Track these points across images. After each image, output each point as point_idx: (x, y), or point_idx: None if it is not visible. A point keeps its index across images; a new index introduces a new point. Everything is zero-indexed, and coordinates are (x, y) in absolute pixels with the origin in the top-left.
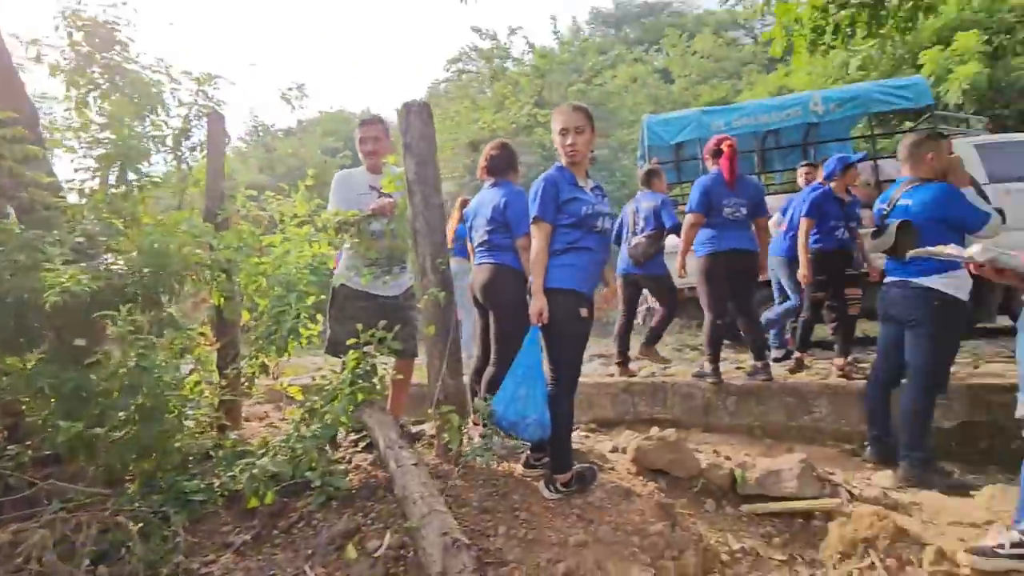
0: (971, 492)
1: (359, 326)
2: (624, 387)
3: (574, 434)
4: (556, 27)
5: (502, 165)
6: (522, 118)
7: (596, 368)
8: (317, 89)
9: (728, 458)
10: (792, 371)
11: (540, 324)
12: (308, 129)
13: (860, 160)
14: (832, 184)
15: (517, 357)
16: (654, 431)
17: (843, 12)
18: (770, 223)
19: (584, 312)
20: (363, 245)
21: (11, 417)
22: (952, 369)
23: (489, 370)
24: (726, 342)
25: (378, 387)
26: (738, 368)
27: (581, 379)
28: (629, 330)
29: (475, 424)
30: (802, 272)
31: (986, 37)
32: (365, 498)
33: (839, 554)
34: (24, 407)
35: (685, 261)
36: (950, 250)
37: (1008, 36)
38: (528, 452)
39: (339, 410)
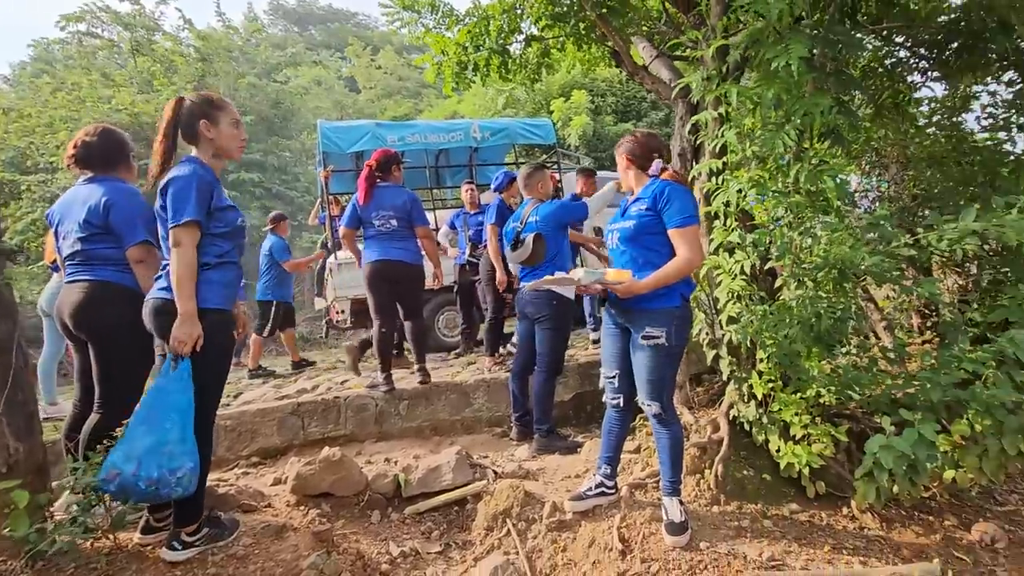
0: (579, 450)
1: None
2: (292, 410)
3: (231, 472)
4: (220, 7)
5: (102, 156)
6: (174, 97)
7: (265, 392)
8: None
9: (397, 462)
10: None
11: (191, 353)
12: None
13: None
14: (502, 195)
15: (151, 395)
16: (325, 451)
17: (479, 54)
18: (440, 235)
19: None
20: None
21: None
22: (570, 352)
23: (93, 418)
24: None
25: None
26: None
27: (243, 408)
28: None
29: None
30: (500, 277)
31: (590, 97)
32: None
33: (485, 529)
34: None
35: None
36: (560, 275)
37: (602, 99)
38: (147, 515)
39: None
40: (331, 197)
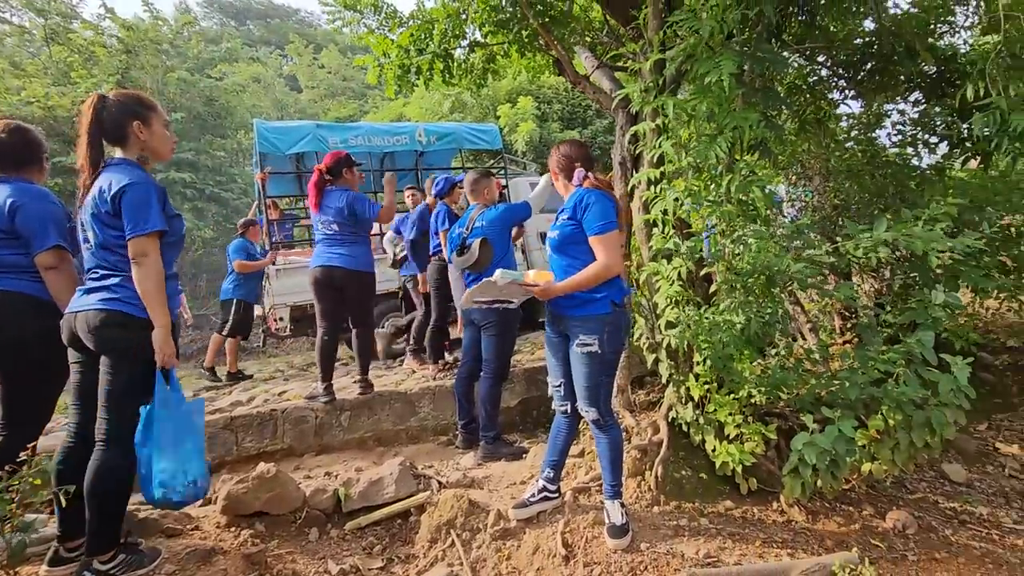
0: (524, 456)
1: None
2: (224, 424)
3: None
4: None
5: (14, 156)
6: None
7: None
8: None
9: (338, 476)
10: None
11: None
12: None
13: (460, 181)
14: (445, 200)
15: (163, 414)
16: (259, 467)
17: (422, 57)
18: (384, 240)
19: None
20: None
21: None
22: (516, 358)
23: None
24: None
25: None
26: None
27: None
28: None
29: None
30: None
31: (537, 104)
32: None
33: (428, 542)
34: None
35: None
36: (493, 280)
37: (548, 106)
38: (56, 545)
39: None
40: (268, 200)
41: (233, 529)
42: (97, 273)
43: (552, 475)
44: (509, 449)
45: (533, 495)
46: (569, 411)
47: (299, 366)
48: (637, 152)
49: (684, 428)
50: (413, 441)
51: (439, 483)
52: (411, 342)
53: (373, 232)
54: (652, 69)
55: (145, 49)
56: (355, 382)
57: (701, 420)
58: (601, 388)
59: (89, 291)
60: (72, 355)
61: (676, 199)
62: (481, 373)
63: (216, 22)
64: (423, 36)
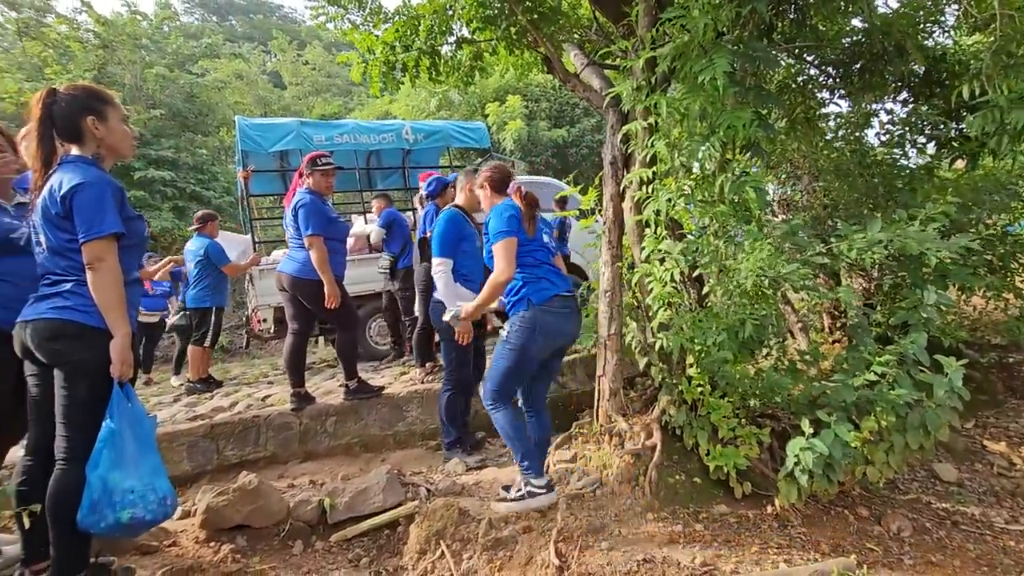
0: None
1: None
2: (205, 432)
3: None
4: None
5: None
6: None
7: (175, 412)
8: None
9: (323, 485)
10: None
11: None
12: None
13: (453, 181)
14: (436, 201)
15: (126, 428)
16: (240, 478)
17: (408, 54)
18: (372, 237)
19: None
20: None
21: None
22: None
23: None
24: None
25: None
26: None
27: None
28: None
29: None
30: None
31: (525, 102)
32: None
33: (417, 553)
34: None
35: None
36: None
37: (536, 104)
38: (21, 567)
39: None
40: (251, 199)
41: (213, 544)
42: (49, 279)
43: (527, 465)
44: (471, 440)
45: (507, 489)
46: (520, 403)
47: (283, 368)
48: (628, 152)
49: (677, 432)
50: (401, 446)
51: (428, 491)
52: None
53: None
54: (644, 67)
55: (123, 44)
56: (340, 386)
57: (694, 423)
58: (498, 372)
59: (41, 298)
60: (27, 367)
61: (668, 199)
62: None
63: (197, 17)
64: (409, 32)
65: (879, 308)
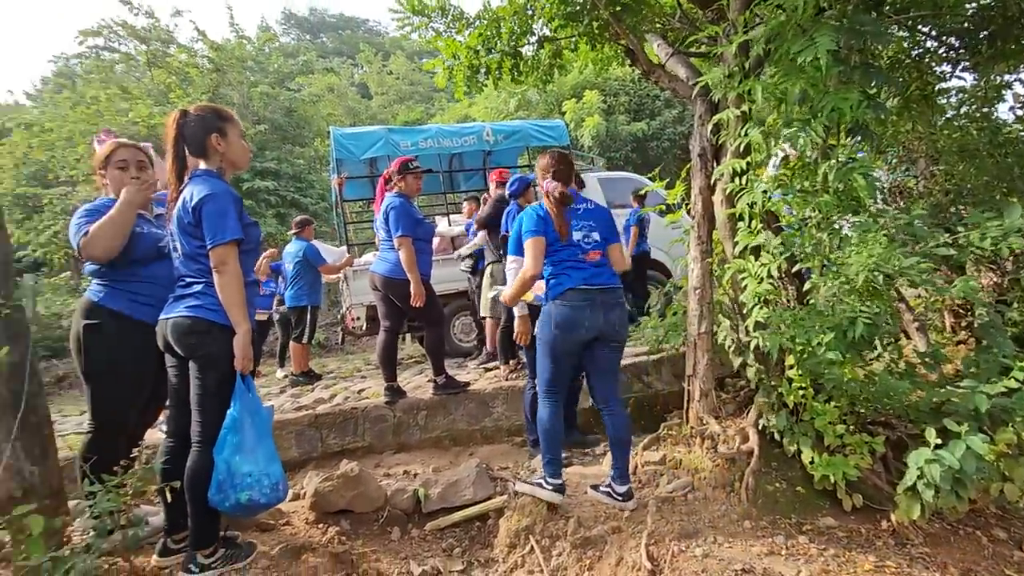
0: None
1: None
2: (310, 421)
3: None
4: (233, 18)
5: None
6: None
7: (283, 403)
8: None
9: (417, 476)
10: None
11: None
12: None
13: (534, 180)
14: (519, 200)
15: (246, 417)
16: (343, 466)
17: (491, 57)
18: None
19: None
20: None
21: None
22: None
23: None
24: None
25: None
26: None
27: None
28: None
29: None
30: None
31: (603, 97)
32: None
33: (507, 547)
34: None
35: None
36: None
37: (615, 99)
38: (164, 537)
39: None
40: (345, 204)
41: (320, 526)
42: (183, 281)
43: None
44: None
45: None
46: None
47: (376, 363)
48: (719, 142)
49: (776, 437)
50: (488, 441)
51: (514, 486)
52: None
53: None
54: (736, 52)
55: (232, 67)
56: (428, 381)
57: (796, 429)
58: (537, 365)
59: (177, 298)
60: (167, 359)
61: (764, 191)
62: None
63: (293, 37)
64: (491, 35)
65: (1016, 305)
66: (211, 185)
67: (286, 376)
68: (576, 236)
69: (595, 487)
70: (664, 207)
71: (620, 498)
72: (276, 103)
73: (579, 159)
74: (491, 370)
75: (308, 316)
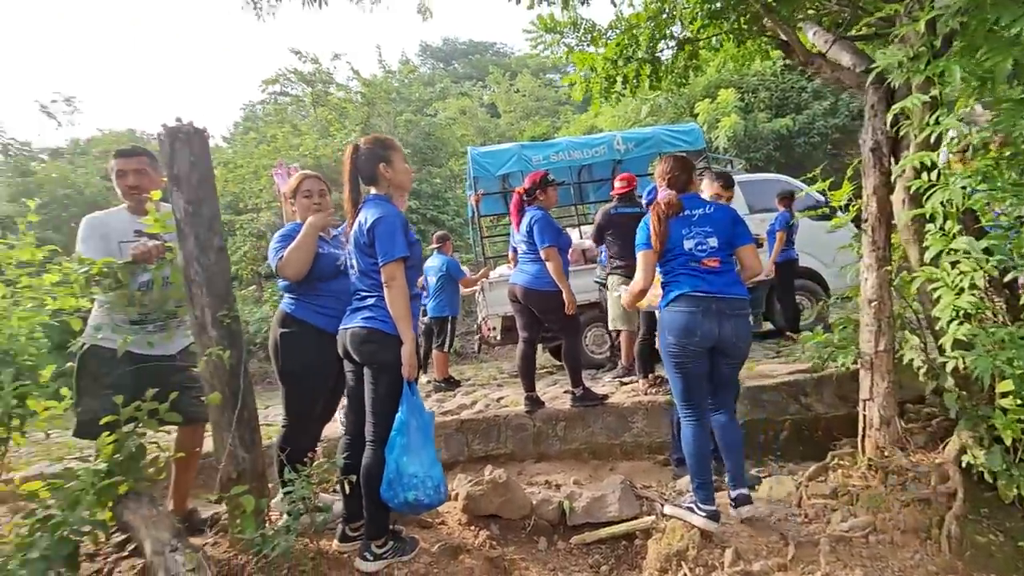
0: (755, 486)
1: (118, 398)
2: (456, 427)
3: None
4: (381, 56)
5: None
6: (349, 145)
7: (430, 408)
8: (99, 104)
9: (559, 487)
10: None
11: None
12: (84, 150)
13: None
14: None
15: (412, 421)
16: (488, 470)
17: (629, 65)
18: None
19: None
20: (123, 299)
21: None
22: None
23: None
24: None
25: (151, 471)
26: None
27: None
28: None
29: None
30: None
31: (740, 94)
32: None
33: (657, 571)
34: None
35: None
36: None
37: (754, 95)
38: (342, 524)
39: (77, 519)
40: (483, 220)
41: (472, 528)
42: (360, 295)
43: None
44: None
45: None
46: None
47: (509, 372)
48: (898, 134)
49: (987, 478)
50: (628, 457)
51: (663, 507)
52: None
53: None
54: (924, 30)
55: (380, 99)
56: (565, 392)
57: (1015, 471)
58: (670, 380)
59: (354, 310)
60: (346, 365)
61: (963, 187)
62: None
63: (429, 67)
64: (629, 44)
65: None
66: (382, 208)
67: (429, 382)
68: (688, 244)
69: (677, 505)
70: (826, 209)
71: (704, 515)
72: (417, 128)
73: (715, 162)
74: (627, 384)
75: (449, 325)
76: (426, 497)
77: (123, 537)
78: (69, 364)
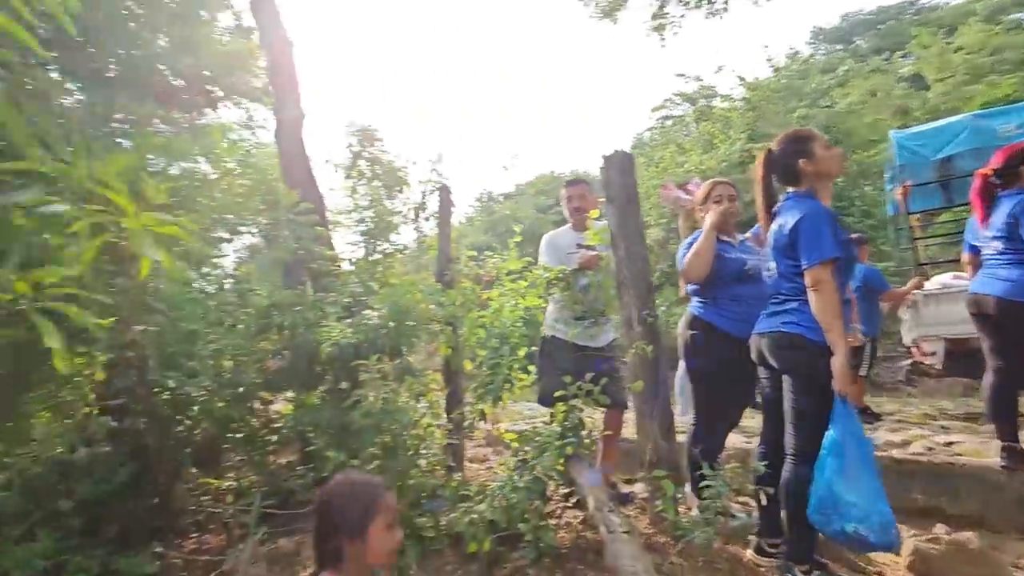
0: None
1: (567, 378)
2: (890, 464)
3: None
4: (769, 56)
5: None
6: (734, 155)
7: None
8: (531, 154)
9: None
10: None
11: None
12: (524, 191)
13: None
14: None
15: (847, 441)
16: (938, 529)
17: None
18: None
19: None
20: (571, 299)
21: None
22: None
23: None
24: None
25: (586, 441)
26: None
27: None
28: None
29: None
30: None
31: None
32: (575, 559)
33: None
34: (310, 435)
35: None
36: None
37: None
38: (759, 536)
39: (547, 464)
40: (912, 217)
41: None
42: (777, 299)
43: None
44: None
45: None
46: None
47: (954, 413)
48: None
49: None
50: None
51: None
52: None
53: None
54: None
55: (767, 100)
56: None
57: None
58: None
59: (772, 314)
60: (760, 371)
61: None
62: None
63: (823, 52)
64: None
65: None
66: (803, 206)
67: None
68: None
69: None
70: None
71: None
72: (814, 123)
73: None
74: None
75: (867, 348)
76: (871, 535)
77: (568, 490)
78: (533, 348)
